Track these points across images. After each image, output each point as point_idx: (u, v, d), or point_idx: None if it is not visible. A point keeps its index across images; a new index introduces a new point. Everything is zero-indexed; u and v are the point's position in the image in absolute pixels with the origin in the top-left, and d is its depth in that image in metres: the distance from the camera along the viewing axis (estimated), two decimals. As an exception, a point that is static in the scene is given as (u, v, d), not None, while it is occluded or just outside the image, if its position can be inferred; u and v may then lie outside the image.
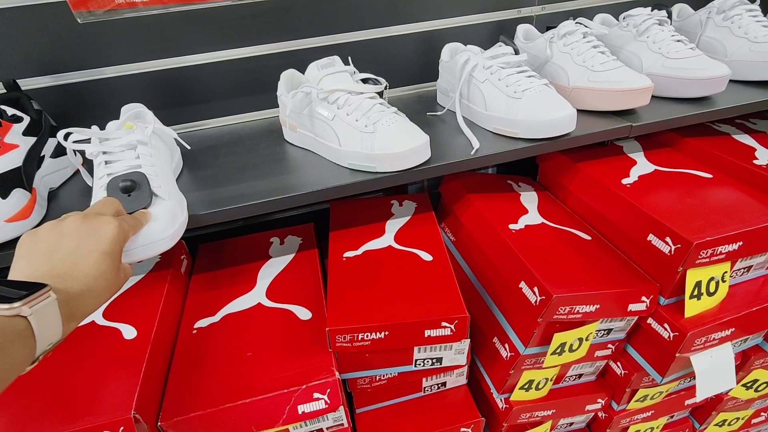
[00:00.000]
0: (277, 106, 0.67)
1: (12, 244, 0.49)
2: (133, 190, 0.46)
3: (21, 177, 0.52)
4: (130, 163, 0.48)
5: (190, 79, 0.72)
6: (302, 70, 0.67)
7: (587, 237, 0.64)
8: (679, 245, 0.52)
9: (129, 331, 0.54)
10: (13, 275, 0.33)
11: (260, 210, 0.54)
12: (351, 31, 0.76)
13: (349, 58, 0.63)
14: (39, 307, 0.29)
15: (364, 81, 0.61)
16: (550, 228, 0.65)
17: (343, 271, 0.60)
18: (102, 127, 0.53)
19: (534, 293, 0.54)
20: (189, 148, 0.63)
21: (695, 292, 0.55)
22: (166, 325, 0.58)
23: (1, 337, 0.27)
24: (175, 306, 0.62)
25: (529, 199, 0.72)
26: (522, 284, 0.56)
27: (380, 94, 0.61)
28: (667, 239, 0.54)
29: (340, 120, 0.57)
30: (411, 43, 0.80)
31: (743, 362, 0.67)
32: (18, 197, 0.50)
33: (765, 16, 0.77)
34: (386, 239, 0.65)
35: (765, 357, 0.67)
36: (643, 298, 0.56)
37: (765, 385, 0.71)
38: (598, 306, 0.54)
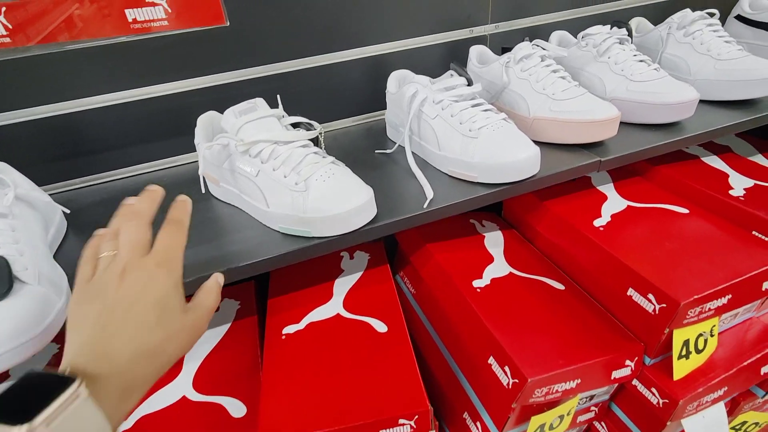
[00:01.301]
0: (201, 151, 0.57)
1: None
2: None
3: None
4: None
5: (93, 124, 0.60)
6: (230, 107, 0.57)
7: (560, 286, 0.57)
8: (664, 305, 0.46)
9: None
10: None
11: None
12: (287, 60, 0.66)
13: (278, 97, 0.53)
14: (63, 419, 0.22)
15: (295, 126, 0.52)
16: (519, 279, 0.58)
17: (281, 353, 0.50)
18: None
19: (506, 374, 0.46)
20: (68, 211, 0.52)
21: (683, 352, 0.49)
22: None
23: None
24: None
25: (495, 241, 0.65)
26: (491, 360, 0.48)
27: (315, 141, 0.52)
28: (650, 296, 0.47)
29: (265, 176, 0.48)
30: (357, 69, 0.71)
31: (732, 408, 0.62)
32: None
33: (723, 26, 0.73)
34: (334, 305, 0.56)
35: (754, 400, 0.62)
36: (627, 362, 0.49)
37: (754, 425, 0.66)
38: (579, 381, 0.47)
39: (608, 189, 0.64)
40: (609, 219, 0.58)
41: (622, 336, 0.50)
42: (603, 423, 0.59)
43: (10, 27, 0.43)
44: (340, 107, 0.74)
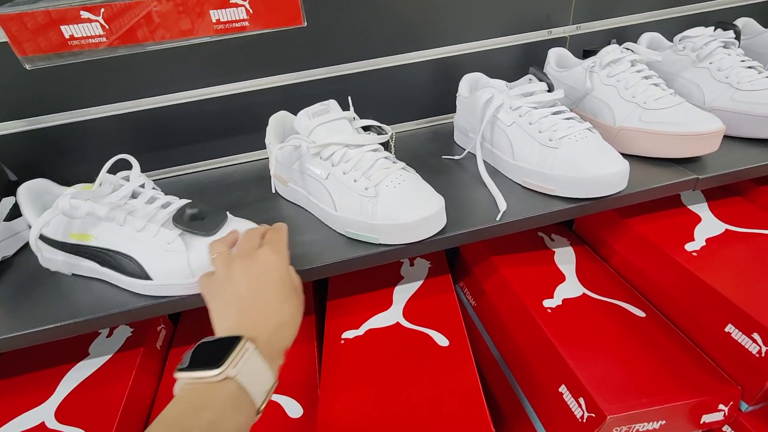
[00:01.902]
0: (271, 147, 0.58)
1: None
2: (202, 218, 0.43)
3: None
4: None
5: (173, 119, 0.63)
6: (301, 107, 0.57)
7: (641, 313, 0.52)
8: (773, 347, 0.40)
9: (81, 440, 0.45)
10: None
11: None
12: (356, 61, 0.66)
13: (350, 99, 0.52)
14: (242, 364, 0.30)
15: (366, 129, 0.51)
16: (594, 302, 0.53)
17: (341, 358, 0.50)
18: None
19: (580, 406, 0.42)
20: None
21: (791, 401, 0.43)
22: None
23: (215, 410, 0.28)
24: (145, 397, 0.53)
25: (566, 258, 0.61)
26: (563, 389, 0.44)
27: (385, 145, 0.50)
28: (755, 336, 0.41)
29: (335, 179, 0.47)
30: (425, 71, 0.69)
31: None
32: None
33: None
34: (393, 314, 0.55)
35: None
36: (721, 407, 0.44)
37: None
38: (664, 422, 0.42)
39: (702, 209, 0.58)
40: (703, 243, 0.52)
41: (714, 376, 0.45)
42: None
43: (107, 27, 0.46)
44: (407, 109, 0.72)
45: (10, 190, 0.54)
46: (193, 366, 0.30)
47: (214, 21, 0.48)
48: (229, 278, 0.36)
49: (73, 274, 0.47)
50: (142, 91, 0.61)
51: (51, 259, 0.46)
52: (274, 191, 0.57)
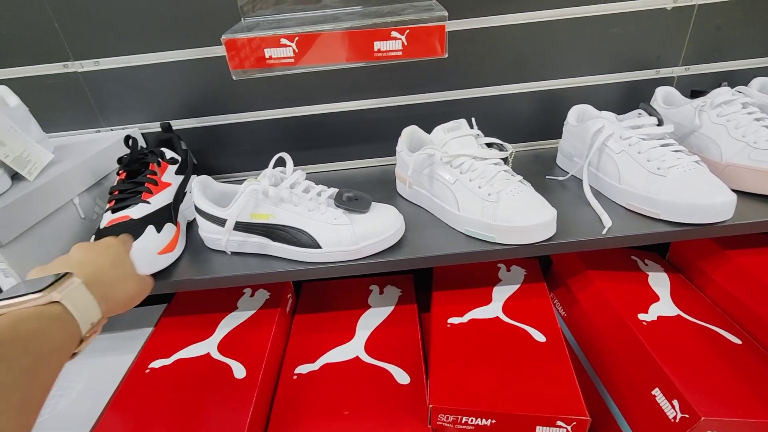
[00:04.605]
0: (390, 155, 0.68)
1: (163, 273, 0.55)
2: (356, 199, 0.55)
3: (171, 212, 0.58)
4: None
5: (316, 125, 0.76)
6: (420, 123, 0.68)
7: (737, 341, 0.54)
8: None
9: (239, 370, 0.57)
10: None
11: (378, 269, 0.54)
12: (472, 87, 0.75)
13: (473, 120, 0.62)
14: (68, 291, 0.32)
15: (489, 145, 0.60)
16: (689, 323, 0.57)
17: (448, 339, 0.57)
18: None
19: (673, 407, 0.46)
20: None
21: None
22: (272, 367, 0.60)
23: (38, 322, 0.29)
24: (280, 347, 0.65)
25: (660, 282, 0.64)
26: (656, 392, 0.49)
27: (505, 160, 0.59)
28: None
29: (461, 185, 0.56)
30: (532, 100, 0.77)
31: None
32: (168, 231, 0.56)
33: None
34: (493, 309, 0.62)
35: None
36: (818, 434, 0.46)
37: None
38: (757, 436, 0.45)
39: (808, 249, 0.59)
40: (808, 280, 0.54)
41: (812, 405, 0.47)
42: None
43: (297, 51, 0.59)
44: (512, 133, 0.80)
45: (195, 170, 0.70)
46: (14, 295, 0.30)
47: (375, 50, 0.60)
48: (72, 251, 0.40)
49: (232, 253, 0.58)
50: (297, 101, 0.74)
51: (218, 239, 0.56)
52: (398, 190, 0.67)
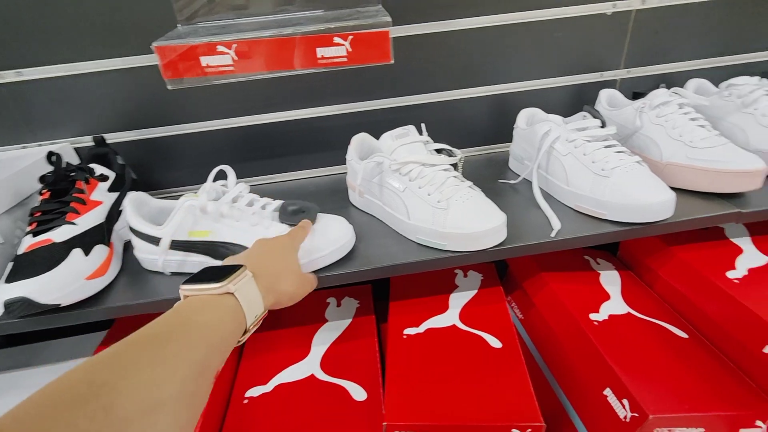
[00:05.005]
0: (342, 164, 0.67)
1: (95, 299, 0.50)
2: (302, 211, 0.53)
3: (103, 233, 0.54)
4: None
5: (264, 135, 0.74)
6: (371, 131, 0.66)
7: (683, 335, 0.56)
8: (810, 368, 0.44)
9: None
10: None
11: (326, 283, 0.52)
12: (423, 93, 0.75)
13: (423, 126, 0.61)
14: (241, 284, 0.34)
15: (438, 151, 0.59)
16: (638, 320, 0.58)
17: (403, 351, 0.56)
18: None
19: (623, 407, 0.47)
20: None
21: (829, 424, 0.46)
22: (220, 393, 0.56)
23: (215, 313, 0.32)
24: (230, 371, 0.61)
25: (611, 280, 0.65)
26: (607, 392, 0.49)
27: (455, 166, 0.58)
28: (794, 357, 0.45)
29: (411, 192, 0.55)
30: (484, 104, 0.77)
31: None
32: (98, 254, 0.52)
33: None
34: (450, 316, 0.61)
35: None
36: (759, 423, 0.47)
37: None
38: (702, 430, 0.46)
39: (745, 242, 0.62)
40: (745, 272, 0.56)
41: (754, 394, 0.48)
42: (720, 488, 0.55)
43: (236, 59, 0.56)
44: (465, 137, 0.80)
45: (134, 186, 0.65)
46: (197, 281, 0.34)
47: (319, 57, 0.58)
48: (253, 246, 0.44)
49: (172, 273, 0.54)
50: (244, 110, 0.72)
51: (154, 259, 0.52)
52: (350, 199, 0.65)
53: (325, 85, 0.71)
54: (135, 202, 0.53)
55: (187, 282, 0.34)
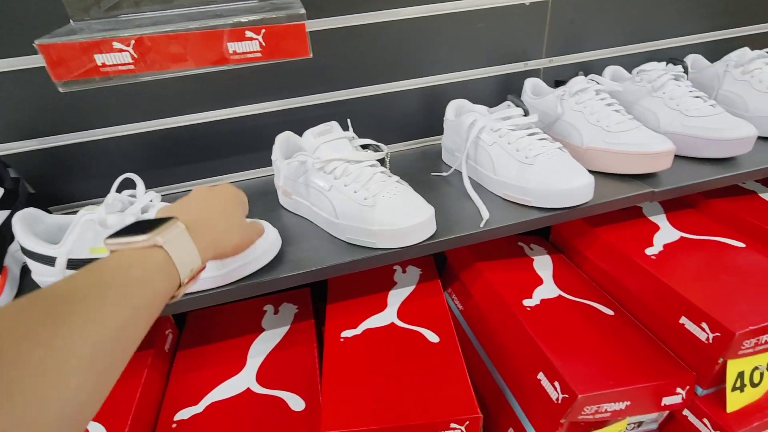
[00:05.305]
0: (271, 165, 0.64)
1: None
2: None
3: (-10, 257, 0.48)
4: None
5: (184, 139, 0.69)
6: (302, 129, 0.63)
7: (609, 312, 0.58)
8: (718, 334, 0.46)
9: (99, 432, 0.48)
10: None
11: (249, 293, 0.49)
12: (352, 88, 0.73)
13: (349, 121, 0.59)
14: (171, 237, 0.31)
15: (364, 147, 0.57)
16: (568, 302, 0.59)
17: (341, 355, 0.54)
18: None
19: (555, 389, 0.47)
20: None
21: (737, 384, 0.49)
22: (143, 420, 0.52)
23: (143, 270, 0.29)
24: (156, 393, 0.57)
25: (543, 265, 0.67)
26: (541, 376, 0.50)
27: (381, 161, 0.57)
28: (704, 325, 0.48)
29: (337, 191, 0.53)
30: (414, 97, 0.77)
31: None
32: (-15, 280, 0.46)
33: None
34: (388, 315, 0.60)
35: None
36: (679, 390, 0.50)
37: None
38: (629, 403, 0.48)
39: (660, 220, 0.65)
40: (661, 248, 0.59)
41: (673, 364, 0.51)
42: (651, 454, 0.58)
43: (135, 56, 0.52)
44: (398, 132, 0.79)
45: (31, 201, 0.59)
46: (123, 234, 0.31)
47: (230, 52, 0.54)
48: (190, 194, 0.41)
49: None
50: (160, 112, 0.66)
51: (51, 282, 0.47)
52: (280, 202, 0.62)
53: (247, 82, 0.67)
54: (26, 219, 0.48)
55: (111, 236, 0.31)
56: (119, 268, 0.28)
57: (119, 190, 0.50)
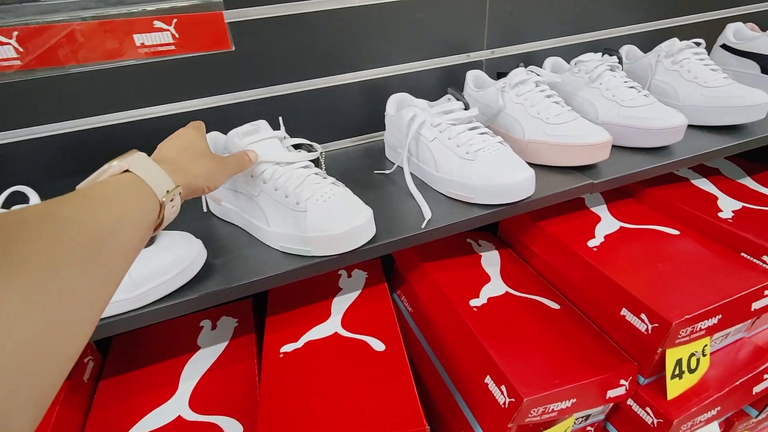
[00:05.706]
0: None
1: None
2: None
3: None
4: None
5: (95, 143, 0.62)
6: (227, 129, 0.58)
7: (555, 306, 0.58)
8: (656, 324, 0.47)
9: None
10: None
11: (176, 312, 0.45)
12: (287, 83, 0.68)
13: (281, 119, 0.55)
14: (133, 161, 0.32)
15: (297, 147, 0.53)
16: (515, 298, 0.58)
17: (280, 373, 0.50)
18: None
19: (502, 393, 0.46)
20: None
21: (676, 372, 0.50)
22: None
23: (116, 186, 0.29)
24: (73, 427, 0.51)
25: (491, 261, 0.66)
26: (488, 379, 0.48)
27: (316, 161, 0.53)
28: (643, 316, 0.48)
29: (267, 196, 0.49)
30: (355, 92, 0.73)
31: (727, 428, 0.62)
32: None
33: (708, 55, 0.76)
34: (332, 324, 0.56)
35: (748, 420, 0.63)
36: (622, 382, 0.50)
37: (749, 447, 0.67)
38: (575, 400, 0.47)
39: (602, 210, 0.66)
40: (602, 240, 0.59)
41: (616, 356, 0.51)
42: (599, 443, 0.59)
43: (21, 50, 0.45)
44: (339, 128, 0.75)
45: None
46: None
47: (138, 44, 0.49)
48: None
49: None
50: (75, 112, 0.59)
51: None
52: (206, 210, 0.57)
53: (167, 78, 0.61)
54: None
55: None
56: (93, 186, 0.29)
57: (7, 206, 0.43)
